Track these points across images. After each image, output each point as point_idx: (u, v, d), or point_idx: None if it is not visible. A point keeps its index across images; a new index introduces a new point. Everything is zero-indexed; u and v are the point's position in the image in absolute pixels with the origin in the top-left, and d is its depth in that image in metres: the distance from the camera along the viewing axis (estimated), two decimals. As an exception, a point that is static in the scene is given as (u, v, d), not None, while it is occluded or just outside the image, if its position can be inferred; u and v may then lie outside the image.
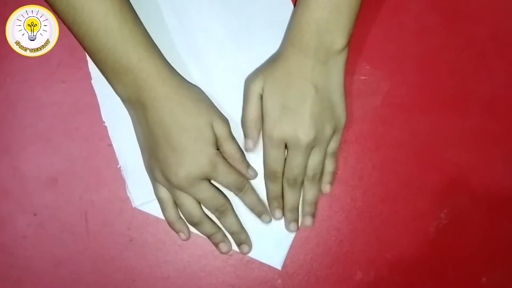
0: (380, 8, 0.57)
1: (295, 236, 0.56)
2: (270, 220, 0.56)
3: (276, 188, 0.55)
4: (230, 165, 0.54)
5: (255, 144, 0.55)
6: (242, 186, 0.54)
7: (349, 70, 0.56)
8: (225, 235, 0.56)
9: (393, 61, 0.57)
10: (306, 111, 0.52)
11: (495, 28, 0.57)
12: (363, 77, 0.57)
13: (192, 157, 0.51)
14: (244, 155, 0.55)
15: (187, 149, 0.51)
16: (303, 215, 0.56)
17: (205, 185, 0.53)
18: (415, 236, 0.56)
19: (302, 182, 0.55)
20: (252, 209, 0.56)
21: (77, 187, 0.55)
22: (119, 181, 0.55)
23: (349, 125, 0.56)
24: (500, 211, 0.57)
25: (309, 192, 0.56)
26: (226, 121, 0.54)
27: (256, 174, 0.56)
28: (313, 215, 0.56)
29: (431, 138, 0.56)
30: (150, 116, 0.51)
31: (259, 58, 0.56)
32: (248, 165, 0.55)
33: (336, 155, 0.56)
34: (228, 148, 0.53)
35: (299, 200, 0.56)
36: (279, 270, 0.56)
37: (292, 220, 0.56)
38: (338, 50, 0.52)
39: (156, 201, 0.55)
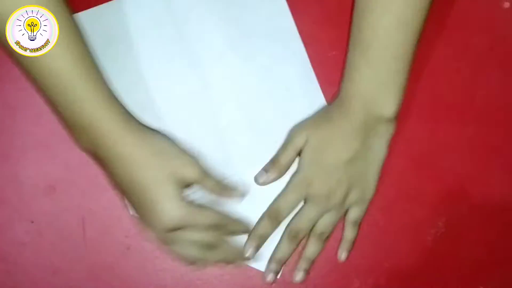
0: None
1: (293, 245, 0.56)
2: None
3: (267, 227, 0.53)
4: (203, 208, 0.52)
5: (268, 181, 0.54)
6: (223, 224, 0.53)
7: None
8: (234, 252, 0.54)
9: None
10: (337, 175, 0.52)
11: (493, 37, 0.58)
12: (361, 86, 0.57)
13: (159, 214, 0.49)
14: (223, 182, 0.53)
15: (152, 208, 0.49)
16: (297, 269, 0.54)
17: (186, 232, 0.51)
18: (412, 245, 0.56)
19: (300, 241, 0.54)
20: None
21: (75, 195, 0.55)
22: (117, 188, 0.55)
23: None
24: (498, 220, 0.57)
25: (311, 249, 0.54)
26: (193, 163, 0.51)
27: (244, 192, 0.54)
28: (308, 272, 0.54)
29: (429, 146, 0.57)
30: (109, 172, 0.51)
31: (258, 68, 0.56)
32: (232, 188, 0.54)
33: (359, 225, 0.55)
34: (207, 185, 0.52)
35: (289, 257, 0.54)
36: (277, 278, 0.56)
37: (273, 271, 0.54)
38: (387, 118, 0.52)
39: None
